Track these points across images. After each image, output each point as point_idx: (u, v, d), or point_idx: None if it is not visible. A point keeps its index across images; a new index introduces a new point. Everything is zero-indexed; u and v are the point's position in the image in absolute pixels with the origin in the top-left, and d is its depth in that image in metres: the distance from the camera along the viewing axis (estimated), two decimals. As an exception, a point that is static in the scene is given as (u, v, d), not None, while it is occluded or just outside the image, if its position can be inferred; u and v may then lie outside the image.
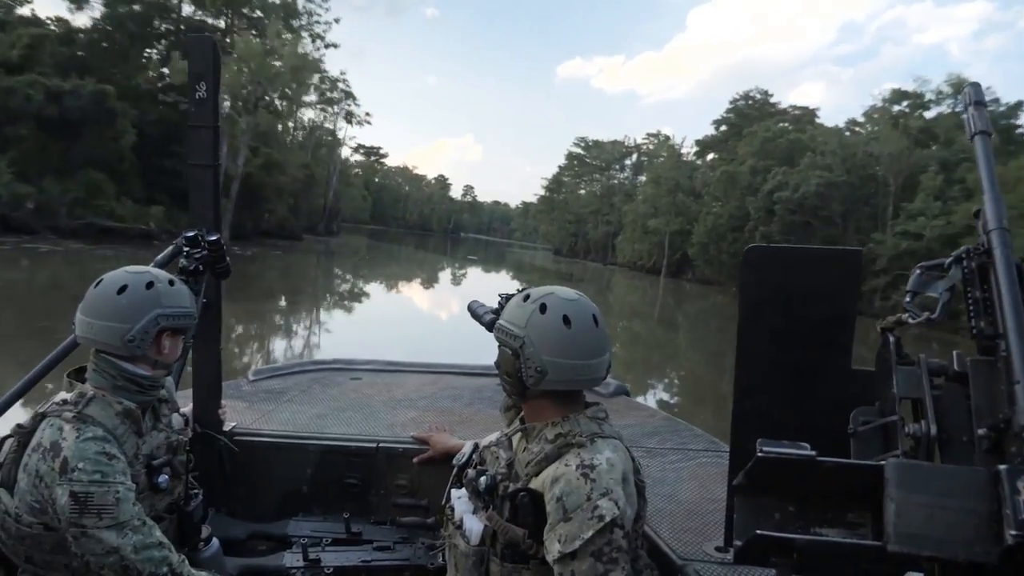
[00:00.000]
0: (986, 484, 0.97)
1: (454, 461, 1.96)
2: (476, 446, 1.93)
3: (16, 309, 13.90)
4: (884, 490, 1.01)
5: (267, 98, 41.02)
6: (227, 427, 2.63)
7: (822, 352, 1.74)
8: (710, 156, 63.06)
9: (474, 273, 48.35)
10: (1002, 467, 0.96)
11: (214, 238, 2.19)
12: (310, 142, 61.81)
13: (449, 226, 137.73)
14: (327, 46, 50.06)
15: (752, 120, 55.43)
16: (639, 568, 1.62)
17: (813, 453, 1.14)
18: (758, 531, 1.11)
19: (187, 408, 2.38)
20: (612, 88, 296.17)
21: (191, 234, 2.17)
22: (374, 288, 30.27)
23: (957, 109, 38.25)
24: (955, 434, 1.18)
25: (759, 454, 1.15)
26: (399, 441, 2.72)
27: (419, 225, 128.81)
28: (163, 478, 1.80)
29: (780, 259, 1.86)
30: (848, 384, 1.67)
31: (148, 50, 40.17)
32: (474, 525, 1.67)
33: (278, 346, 14.11)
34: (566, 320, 1.55)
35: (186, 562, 1.71)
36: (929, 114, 41.80)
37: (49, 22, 33.10)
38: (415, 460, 2.61)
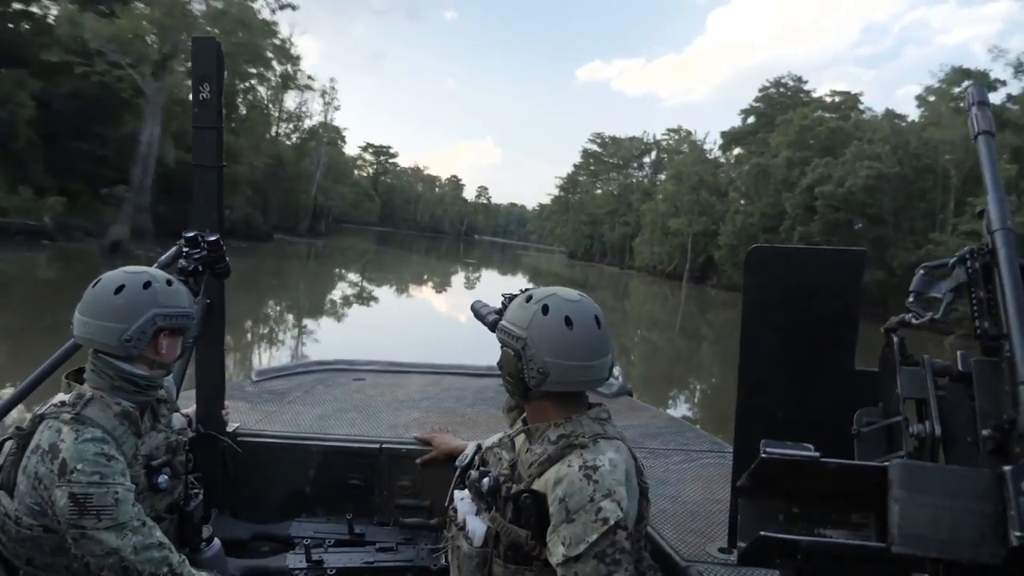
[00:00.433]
0: (991, 485, 0.97)
1: (457, 462, 1.98)
2: (479, 447, 1.92)
3: None
4: (888, 491, 1.00)
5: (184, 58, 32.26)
6: (230, 428, 2.62)
7: (826, 352, 1.75)
8: (736, 151, 57.85)
9: (462, 283, 42.42)
10: (1007, 468, 0.96)
11: (213, 238, 2.18)
12: (288, 131, 58.26)
13: (462, 228, 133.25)
14: (282, 7, 41.15)
15: (785, 109, 49.81)
16: (642, 569, 1.60)
17: (817, 454, 1.13)
18: (762, 532, 1.10)
19: (190, 409, 2.43)
20: (632, 91, 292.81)
21: (190, 234, 2.16)
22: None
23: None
24: (959, 435, 1.17)
25: (763, 455, 1.14)
26: (402, 442, 2.72)
27: (431, 227, 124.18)
28: (163, 478, 1.80)
29: (783, 259, 1.88)
30: (852, 384, 1.67)
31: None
32: (477, 526, 1.66)
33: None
34: (568, 321, 1.55)
35: (186, 562, 1.71)
36: (997, 96, 36.08)
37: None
38: (418, 461, 2.60)
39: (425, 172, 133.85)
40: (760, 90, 57.05)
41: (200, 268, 2.15)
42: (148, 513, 1.70)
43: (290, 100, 58.32)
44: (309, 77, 56.08)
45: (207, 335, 2.38)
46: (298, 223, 55.42)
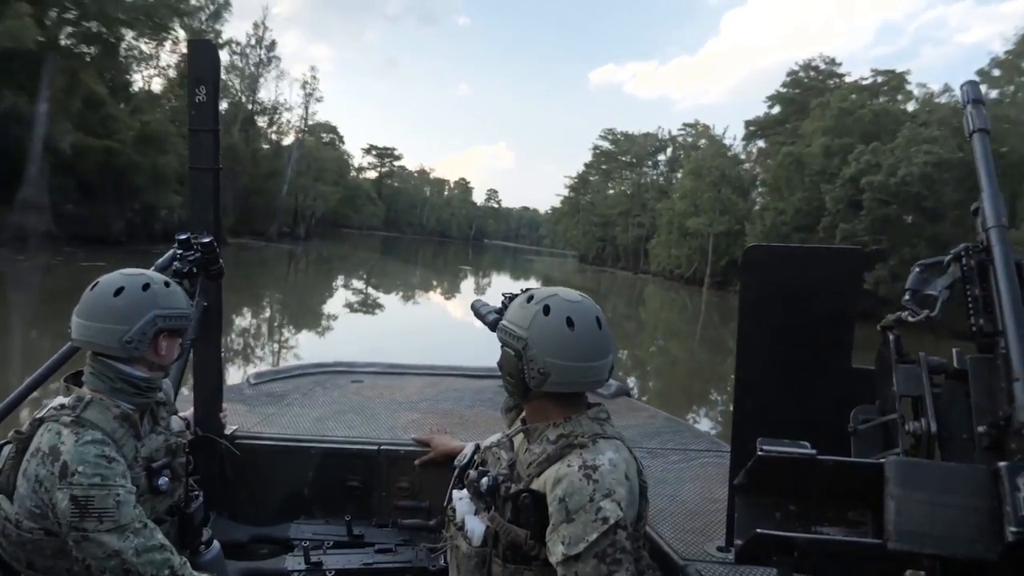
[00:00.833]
0: (986, 481, 0.97)
1: (455, 462, 1.98)
2: (477, 447, 1.93)
3: None
4: (884, 488, 1.01)
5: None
6: (228, 431, 2.62)
7: (823, 351, 1.76)
8: (759, 143, 52.46)
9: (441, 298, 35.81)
10: (1002, 464, 0.97)
11: (207, 240, 2.20)
12: (264, 125, 54.05)
13: (470, 232, 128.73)
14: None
15: (818, 94, 43.29)
16: (641, 568, 1.60)
17: (813, 452, 1.14)
18: (758, 530, 1.11)
19: (188, 412, 2.43)
20: (645, 93, 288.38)
21: (183, 236, 2.18)
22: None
23: None
24: (955, 432, 1.18)
25: (759, 453, 1.14)
26: (400, 443, 2.73)
27: (438, 231, 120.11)
28: (163, 480, 1.80)
29: (781, 258, 1.89)
30: (848, 382, 1.67)
31: None
32: (476, 526, 1.67)
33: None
34: (569, 322, 1.55)
35: (188, 565, 1.71)
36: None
37: None
38: (417, 462, 2.61)
39: (432, 174, 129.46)
40: (788, 74, 50.53)
41: (195, 270, 2.16)
42: (149, 515, 1.70)
43: (266, 92, 54.25)
44: (270, 46, 51.73)
45: (204, 338, 2.36)
46: (268, 226, 50.27)
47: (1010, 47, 33.62)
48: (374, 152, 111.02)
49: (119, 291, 1.73)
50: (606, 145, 77.64)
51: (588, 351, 1.55)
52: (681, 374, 18.53)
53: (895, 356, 1.33)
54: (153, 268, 2.05)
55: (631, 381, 15.28)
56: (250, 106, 53.14)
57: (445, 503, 1.85)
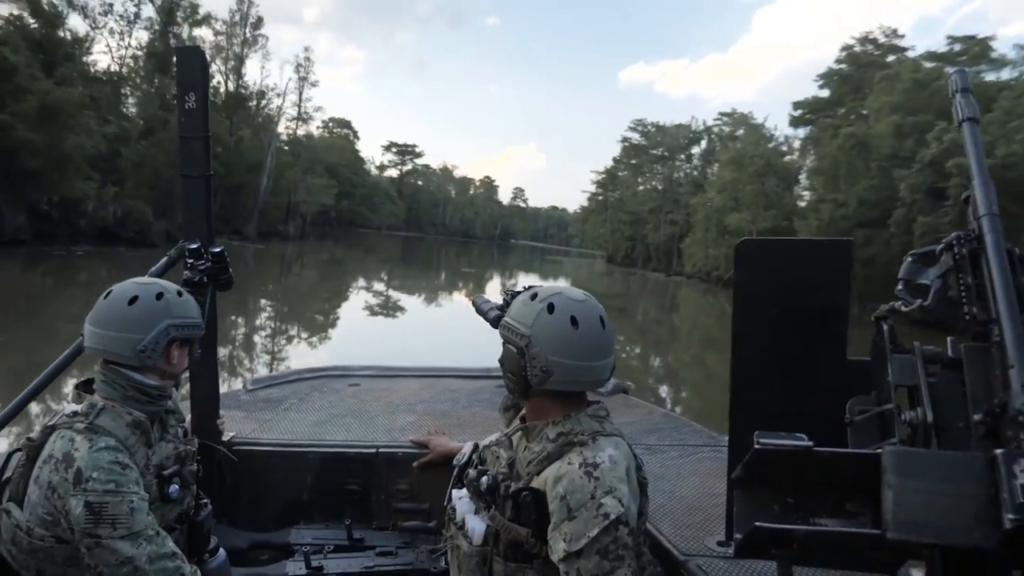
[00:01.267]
0: (983, 469, 0.97)
1: (455, 461, 1.96)
2: (476, 446, 1.92)
3: None
4: (882, 478, 1.01)
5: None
6: (226, 437, 2.62)
7: (817, 343, 1.76)
8: (803, 131, 46.64)
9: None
10: (999, 451, 0.96)
11: (218, 250, 2.21)
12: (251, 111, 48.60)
13: (496, 232, 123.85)
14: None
15: (879, 70, 36.98)
16: (642, 564, 1.60)
17: (810, 444, 1.14)
18: (757, 523, 1.11)
19: (185, 420, 2.37)
20: (675, 92, 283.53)
21: (194, 246, 2.18)
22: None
23: None
24: (951, 420, 1.18)
25: (756, 446, 1.14)
26: (399, 446, 2.72)
27: (461, 231, 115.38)
28: (173, 488, 1.80)
29: (772, 252, 1.88)
30: (844, 374, 1.68)
31: None
32: (476, 525, 1.66)
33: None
34: (573, 321, 1.54)
35: (199, 573, 1.73)
36: None
37: None
38: (415, 464, 2.60)
39: (455, 172, 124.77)
40: (842, 49, 43.18)
41: (205, 279, 2.16)
42: (159, 523, 1.71)
43: (255, 76, 49.80)
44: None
45: (200, 345, 2.27)
46: (244, 223, 44.46)
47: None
48: (394, 149, 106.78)
49: (133, 300, 1.74)
50: (636, 137, 71.83)
51: (591, 350, 1.55)
52: (721, 388, 14.27)
53: (890, 346, 1.33)
54: (150, 273, 2.06)
55: (663, 392, 13.94)
56: (234, 90, 48.69)
57: (445, 503, 1.84)
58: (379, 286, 32.04)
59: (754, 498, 1.20)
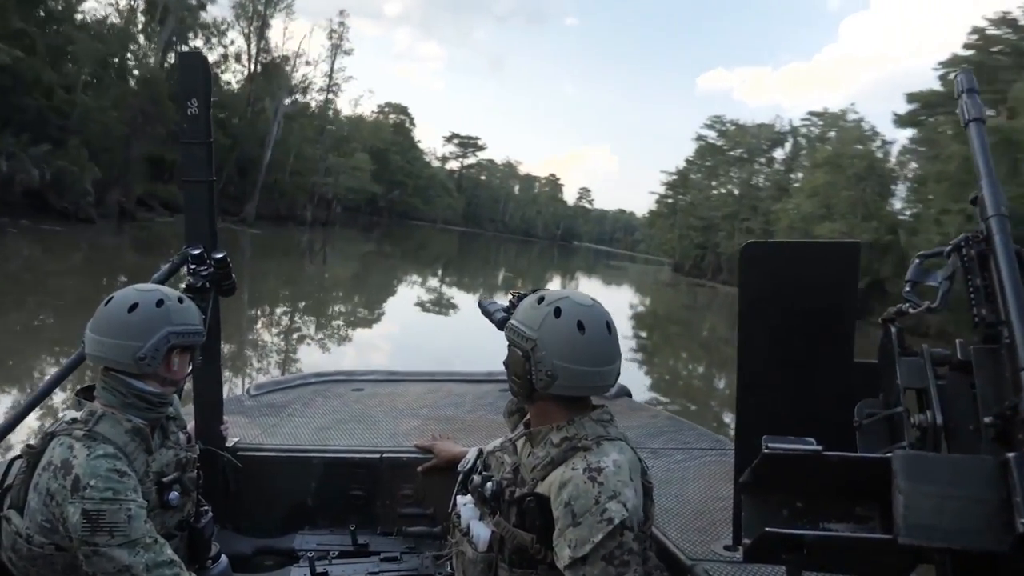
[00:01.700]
0: (995, 472, 0.97)
1: (459, 467, 1.96)
2: (480, 452, 1.92)
3: None
4: (892, 482, 1.00)
5: None
6: (230, 443, 2.61)
7: (824, 346, 1.75)
8: (907, 134, 39.30)
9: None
10: (1011, 455, 0.96)
11: (220, 255, 2.20)
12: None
13: (558, 233, 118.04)
14: None
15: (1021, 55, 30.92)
16: (648, 569, 1.59)
17: (819, 448, 1.13)
18: (767, 528, 1.10)
19: (189, 425, 2.39)
20: (754, 101, 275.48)
21: (197, 251, 2.17)
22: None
23: None
24: (961, 423, 1.17)
25: (765, 451, 1.14)
26: (403, 451, 2.72)
27: (521, 230, 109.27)
28: (173, 495, 1.80)
29: (778, 254, 1.88)
30: (851, 377, 1.66)
31: None
32: (481, 531, 1.66)
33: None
34: (580, 326, 1.54)
35: None
36: None
37: None
38: (419, 469, 2.60)
39: (519, 168, 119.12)
40: (972, 32, 37.16)
41: (207, 285, 2.16)
42: (159, 530, 1.70)
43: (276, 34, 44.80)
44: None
45: (203, 350, 2.27)
46: (244, 204, 39.12)
47: None
48: (455, 141, 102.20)
49: (133, 307, 1.74)
50: (712, 136, 64.98)
51: (597, 356, 1.55)
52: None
53: (898, 349, 1.32)
54: (153, 279, 2.06)
55: (727, 418, 12.30)
56: (255, 54, 43.69)
57: (449, 509, 1.84)
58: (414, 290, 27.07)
59: (762, 502, 1.19)
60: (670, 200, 72.32)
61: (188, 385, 2.28)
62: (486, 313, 1.90)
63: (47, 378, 2.08)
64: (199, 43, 37.75)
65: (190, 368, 1.91)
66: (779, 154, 59.48)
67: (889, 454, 1.04)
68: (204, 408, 2.49)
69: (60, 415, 1.81)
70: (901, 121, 38.52)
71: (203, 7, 37.52)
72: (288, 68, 46.41)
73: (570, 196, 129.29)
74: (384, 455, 2.70)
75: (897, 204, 37.13)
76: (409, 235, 64.72)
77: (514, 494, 1.60)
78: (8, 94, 21.70)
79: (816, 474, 1.15)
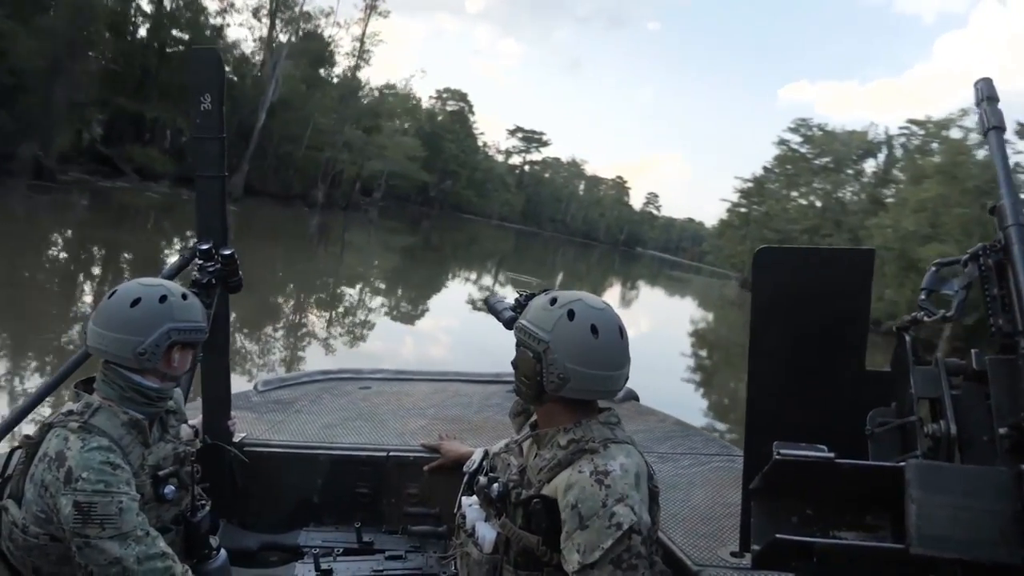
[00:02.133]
0: (1009, 484, 0.97)
1: (464, 468, 1.97)
2: (486, 453, 1.92)
3: None
4: (905, 491, 1.00)
5: None
6: (237, 438, 2.61)
7: (836, 353, 1.74)
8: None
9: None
10: None
11: (228, 252, 2.20)
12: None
13: (621, 238, 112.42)
14: None
15: None
16: (654, 574, 1.58)
17: (831, 455, 1.13)
18: (778, 535, 1.10)
19: (197, 420, 2.41)
20: (838, 116, 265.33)
21: (205, 247, 2.17)
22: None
23: None
24: (975, 434, 1.16)
25: (776, 456, 1.13)
26: (409, 449, 2.72)
27: (582, 232, 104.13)
28: (169, 489, 1.80)
29: (791, 260, 1.86)
30: (863, 385, 1.66)
31: None
32: (487, 532, 1.66)
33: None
34: (594, 330, 1.53)
35: (190, 573, 1.71)
36: None
37: None
38: (426, 468, 2.60)
39: (584, 167, 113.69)
40: None
41: (214, 281, 2.16)
42: (155, 524, 1.71)
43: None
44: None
45: (212, 346, 2.33)
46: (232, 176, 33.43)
47: None
48: (519, 135, 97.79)
49: (136, 302, 1.73)
50: (796, 140, 58.74)
51: (609, 360, 1.54)
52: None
53: (912, 358, 1.31)
54: (163, 275, 2.05)
55: None
56: (274, 8, 38.72)
57: (455, 509, 1.84)
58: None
59: (772, 509, 1.19)
60: (743, 209, 66.16)
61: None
62: (494, 311, 1.88)
63: (52, 376, 2.06)
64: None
65: (191, 364, 1.89)
66: (870, 166, 52.98)
67: (902, 463, 1.04)
68: (212, 403, 2.48)
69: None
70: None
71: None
72: (311, 26, 40.81)
73: (637, 201, 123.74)
74: (390, 454, 2.70)
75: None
76: (460, 229, 60.93)
77: (520, 496, 1.60)
78: None
79: (827, 482, 1.14)
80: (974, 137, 36.26)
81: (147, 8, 32.77)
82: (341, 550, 2.47)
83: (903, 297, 31.12)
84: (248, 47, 39.21)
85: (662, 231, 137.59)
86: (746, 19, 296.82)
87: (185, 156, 31.09)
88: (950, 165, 32.87)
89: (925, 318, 1.36)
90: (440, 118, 67.62)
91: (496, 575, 1.64)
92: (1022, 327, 1.13)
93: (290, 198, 39.13)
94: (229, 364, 2.52)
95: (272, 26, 39.42)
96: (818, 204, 54.43)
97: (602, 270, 59.12)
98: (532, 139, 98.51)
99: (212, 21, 35.90)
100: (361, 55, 45.13)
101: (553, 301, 1.58)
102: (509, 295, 2.02)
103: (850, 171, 53.59)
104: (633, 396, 3.64)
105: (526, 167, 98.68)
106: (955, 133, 35.83)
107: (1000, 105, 1.42)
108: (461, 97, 72.89)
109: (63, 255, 16.34)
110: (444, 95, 71.89)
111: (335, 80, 44.11)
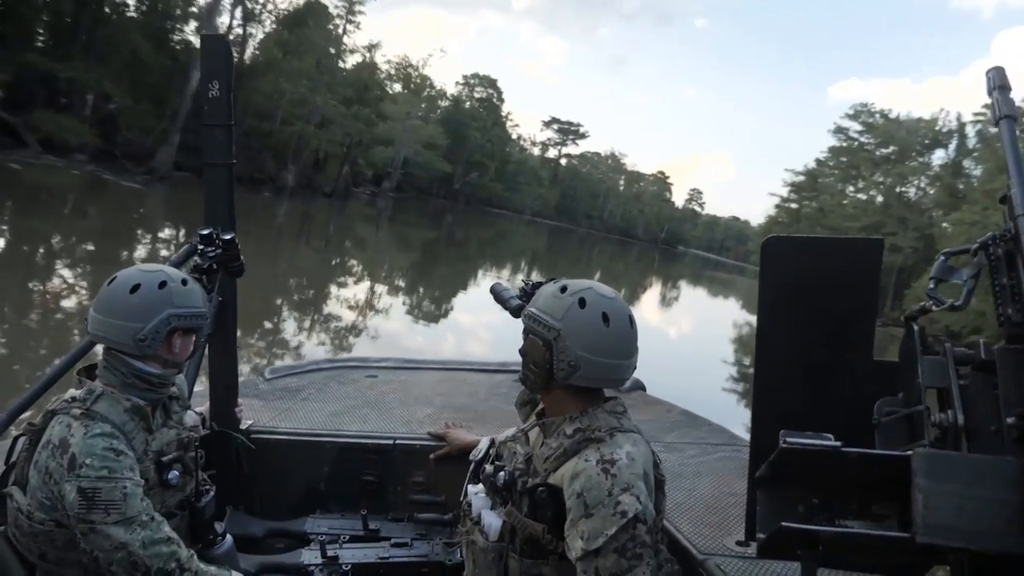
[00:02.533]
0: (1016, 474, 0.97)
1: (471, 456, 1.98)
2: (492, 441, 1.92)
3: None
4: (911, 481, 1.00)
5: None
6: (244, 425, 2.62)
7: (843, 343, 1.73)
8: None
9: None
10: None
11: (229, 237, 2.19)
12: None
13: (661, 235, 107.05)
14: None
15: None
16: (659, 563, 1.59)
17: (838, 444, 1.13)
18: (783, 523, 1.10)
19: (204, 407, 2.43)
20: (891, 114, 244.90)
21: (206, 232, 2.17)
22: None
23: None
24: (983, 424, 1.16)
25: (783, 445, 1.14)
26: (416, 438, 2.72)
27: (620, 229, 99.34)
28: (173, 474, 1.81)
29: (799, 250, 1.85)
30: (870, 375, 1.65)
31: None
32: (492, 521, 1.67)
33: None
34: (605, 318, 1.54)
35: (195, 557, 1.72)
36: None
37: None
38: (432, 456, 2.60)
39: (624, 162, 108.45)
40: None
41: (215, 266, 2.15)
42: (159, 509, 1.72)
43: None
44: None
45: (219, 333, 2.36)
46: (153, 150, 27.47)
47: None
48: (555, 126, 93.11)
49: (135, 288, 1.73)
50: (855, 129, 52.90)
51: (620, 349, 1.55)
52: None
53: (920, 347, 1.31)
54: (168, 263, 2.04)
55: None
56: None
57: (461, 498, 1.84)
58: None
59: (778, 498, 1.19)
60: (793, 206, 60.62)
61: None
62: (500, 299, 1.86)
63: (56, 364, 2.06)
64: None
65: (193, 349, 1.89)
66: (938, 158, 47.36)
67: (910, 452, 1.03)
68: (219, 390, 2.49)
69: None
70: None
71: None
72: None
73: (679, 199, 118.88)
74: (397, 441, 2.70)
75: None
76: (488, 224, 56.92)
77: (526, 484, 1.60)
78: None
79: (834, 470, 1.14)
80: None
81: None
82: (347, 537, 2.47)
83: (989, 307, 26.34)
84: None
85: (705, 229, 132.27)
86: (795, 15, 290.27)
87: (113, 127, 27.00)
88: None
89: (934, 307, 1.36)
90: (467, 104, 63.29)
91: (501, 563, 1.64)
92: None
93: (259, 181, 33.43)
94: (236, 351, 2.51)
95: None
96: (879, 199, 48.82)
97: (641, 268, 57.65)
98: (568, 131, 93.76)
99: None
100: (349, 15, 40.24)
101: (563, 289, 1.58)
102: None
103: (915, 161, 48.15)
104: (640, 386, 3.63)
105: (562, 160, 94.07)
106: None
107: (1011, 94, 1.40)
108: (490, 84, 68.60)
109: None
110: (472, 81, 67.67)
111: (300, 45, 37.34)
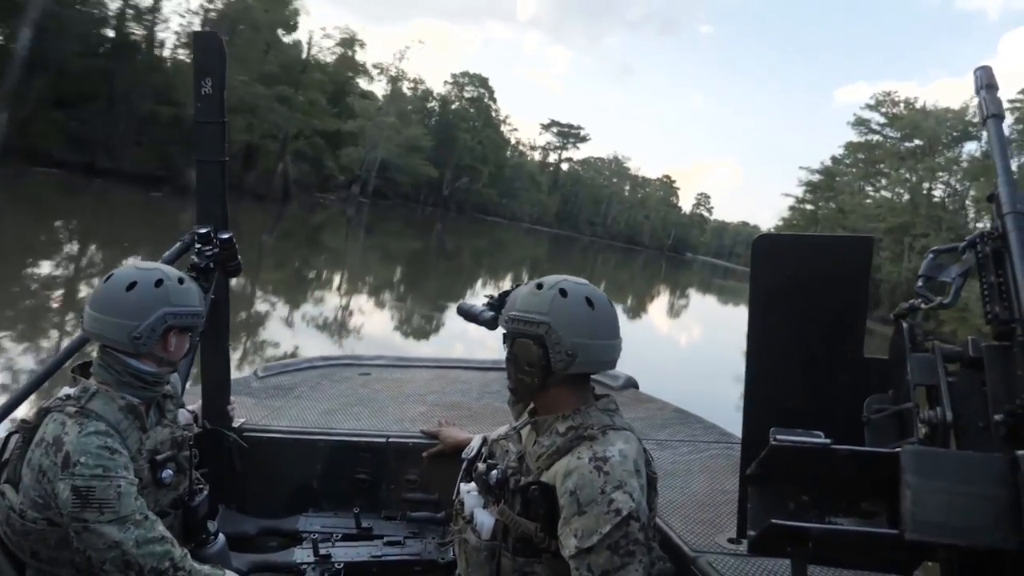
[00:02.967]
0: (1005, 470, 0.97)
1: (463, 455, 2.00)
2: (485, 440, 1.95)
3: None
4: (900, 477, 1.01)
5: None
6: (236, 423, 2.61)
7: (834, 341, 1.74)
8: None
9: None
10: (1021, 452, 0.97)
11: (227, 236, 2.18)
12: None
13: (668, 242, 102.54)
14: None
15: None
16: (651, 560, 1.60)
17: (828, 441, 1.14)
18: (774, 520, 1.11)
19: (196, 405, 2.40)
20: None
21: (203, 231, 2.15)
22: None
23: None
24: (971, 420, 1.17)
25: (773, 442, 1.14)
26: (409, 436, 2.72)
27: (624, 236, 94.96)
28: (167, 473, 1.80)
29: (790, 248, 1.87)
30: (861, 372, 1.66)
31: None
32: (485, 519, 1.67)
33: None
34: (589, 302, 1.56)
35: (188, 556, 1.71)
36: None
37: None
38: (425, 454, 2.60)
39: (627, 166, 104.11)
40: None
41: (212, 265, 2.14)
42: (152, 508, 1.71)
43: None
44: None
45: (212, 331, 2.32)
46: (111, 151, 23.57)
47: None
48: (554, 129, 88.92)
49: (131, 286, 1.72)
50: (876, 120, 48.28)
51: (609, 329, 1.57)
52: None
53: (909, 345, 1.31)
54: (162, 260, 2.03)
55: None
56: None
57: (453, 496, 1.84)
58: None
59: (769, 495, 1.19)
60: (809, 207, 56.04)
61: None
62: (470, 316, 1.83)
63: (49, 360, 2.03)
64: None
65: (188, 348, 1.88)
66: (970, 150, 42.82)
67: (899, 449, 1.04)
68: (212, 388, 2.48)
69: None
70: None
71: None
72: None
73: (686, 204, 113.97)
74: (390, 440, 2.69)
75: None
76: (483, 233, 52.81)
77: (519, 482, 1.60)
78: None
79: (824, 468, 1.15)
80: None
81: None
82: (340, 535, 2.47)
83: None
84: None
85: (713, 235, 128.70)
86: (800, 21, 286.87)
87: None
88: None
89: (922, 305, 1.36)
90: (455, 105, 59.16)
91: (494, 561, 1.63)
92: (1018, 314, 1.13)
93: (159, 180, 27.19)
94: (229, 349, 2.50)
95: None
96: (906, 197, 44.29)
97: (647, 277, 55.10)
98: (568, 134, 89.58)
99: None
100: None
101: (539, 286, 1.60)
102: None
103: (939, 159, 43.66)
104: (632, 384, 3.62)
105: (563, 165, 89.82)
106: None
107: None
108: (481, 82, 64.64)
109: None
110: (462, 80, 63.66)
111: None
